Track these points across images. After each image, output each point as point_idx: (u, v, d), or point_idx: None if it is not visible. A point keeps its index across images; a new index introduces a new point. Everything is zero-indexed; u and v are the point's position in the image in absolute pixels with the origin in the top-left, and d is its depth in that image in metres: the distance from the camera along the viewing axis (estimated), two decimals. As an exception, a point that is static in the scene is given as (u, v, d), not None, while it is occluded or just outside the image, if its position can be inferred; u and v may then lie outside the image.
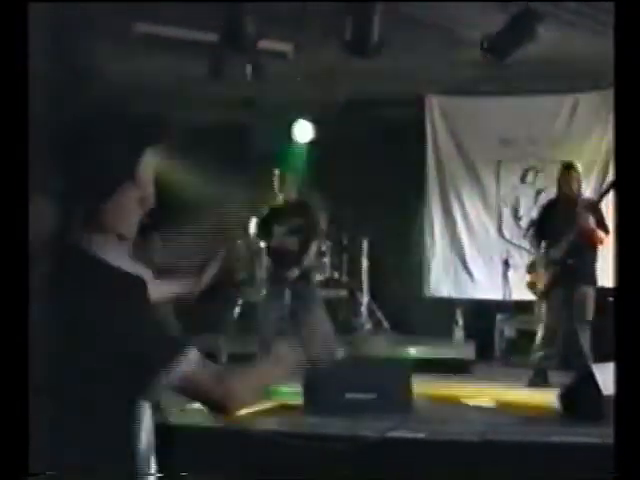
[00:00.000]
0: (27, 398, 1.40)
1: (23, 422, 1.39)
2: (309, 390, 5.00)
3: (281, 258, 6.15)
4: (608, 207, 6.26)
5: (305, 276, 6.07)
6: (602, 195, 6.00)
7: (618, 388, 1.71)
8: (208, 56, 5.95)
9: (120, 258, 1.61)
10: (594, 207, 5.85)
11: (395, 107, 7.87)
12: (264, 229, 6.35)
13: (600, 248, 5.94)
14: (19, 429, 1.38)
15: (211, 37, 5.37)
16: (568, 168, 6.08)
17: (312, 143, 8.24)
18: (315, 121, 8.19)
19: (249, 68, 6.28)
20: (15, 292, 1.41)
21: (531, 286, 6.17)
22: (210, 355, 1.81)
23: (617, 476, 1.56)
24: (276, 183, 6.19)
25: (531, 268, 6.23)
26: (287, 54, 6.25)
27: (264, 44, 5.77)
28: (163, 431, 3.91)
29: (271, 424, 4.60)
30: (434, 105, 7.96)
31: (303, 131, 8.23)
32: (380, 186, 8.17)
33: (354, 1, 5.21)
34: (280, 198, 6.20)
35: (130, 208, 1.60)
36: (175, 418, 4.52)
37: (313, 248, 6.11)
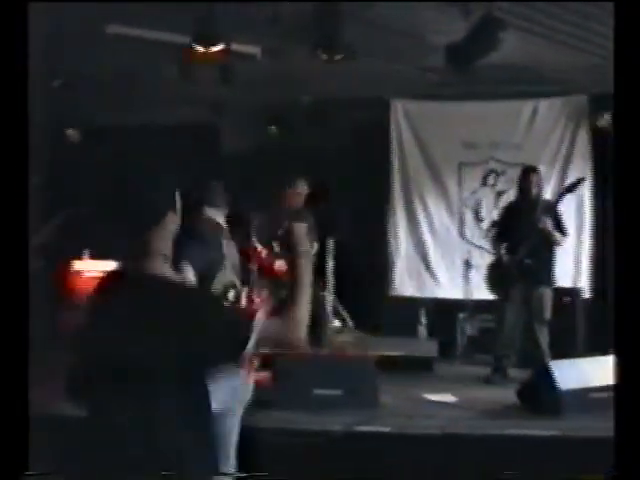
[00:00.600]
0: (27, 398, 1.45)
1: (23, 422, 1.43)
2: (277, 385, 5.09)
3: None
4: (566, 210, 6.55)
5: None
6: (559, 198, 6.21)
7: (617, 387, 1.78)
8: (178, 57, 6.01)
9: (169, 273, 1.82)
10: (552, 209, 6.04)
11: (361, 110, 8.01)
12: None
13: (558, 249, 6.15)
14: (19, 429, 1.43)
15: (182, 39, 5.43)
16: (528, 171, 6.26)
17: (280, 145, 8.34)
18: (283, 122, 8.29)
19: (218, 70, 6.37)
20: (15, 294, 1.46)
21: (491, 284, 6.35)
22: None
23: (617, 475, 1.64)
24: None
25: (492, 266, 6.40)
26: (256, 56, 6.34)
27: (234, 47, 5.85)
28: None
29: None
30: (399, 108, 8.10)
31: (270, 132, 8.33)
32: (346, 187, 8.30)
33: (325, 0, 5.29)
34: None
35: (171, 233, 1.82)
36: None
37: None
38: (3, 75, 1.54)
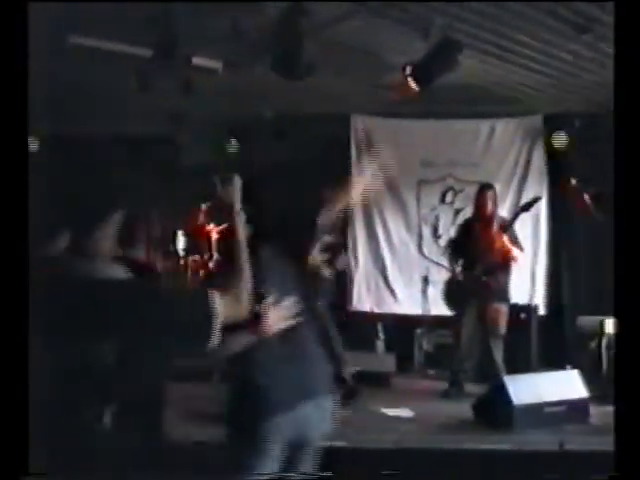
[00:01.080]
0: (27, 398, 1.44)
1: (23, 422, 1.42)
2: (231, 402, 5.07)
3: None
4: (522, 227, 6.67)
5: None
6: (516, 216, 6.32)
7: (617, 397, 1.80)
8: (138, 70, 5.99)
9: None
10: (508, 226, 6.15)
11: (322, 125, 8.06)
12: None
13: (514, 266, 6.25)
14: (19, 429, 1.41)
15: (144, 52, 5.43)
16: (484, 188, 6.36)
17: (239, 159, 8.35)
18: (242, 137, 8.31)
19: (179, 83, 6.36)
20: (15, 295, 1.45)
21: (448, 300, 6.43)
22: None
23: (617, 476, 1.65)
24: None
25: (449, 282, 6.47)
26: (217, 71, 6.35)
27: (195, 60, 5.86)
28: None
29: (199, 436, 4.65)
30: (359, 125, 8.19)
31: (231, 147, 8.34)
32: (305, 202, 8.32)
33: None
34: None
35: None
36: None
37: None
38: (3, 75, 1.53)
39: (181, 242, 8.33)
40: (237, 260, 2.06)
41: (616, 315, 1.93)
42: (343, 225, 6.21)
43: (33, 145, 7.64)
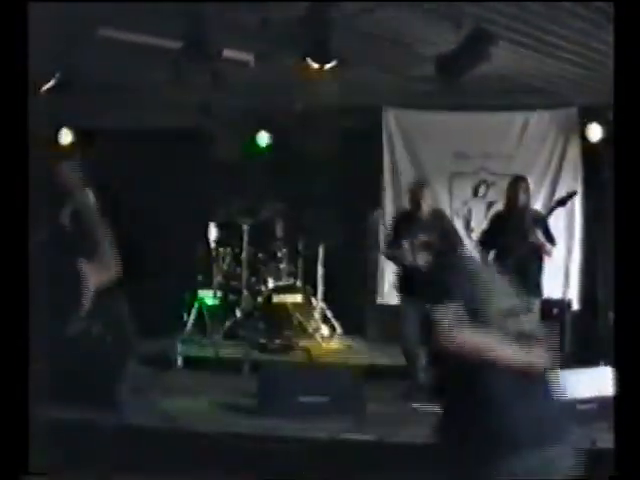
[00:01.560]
0: (27, 398, 1.46)
1: (23, 422, 1.44)
2: (263, 392, 5.11)
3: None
4: (556, 222, 6.57)
5: None
6: (551, 209, 6.20)
7: (618, 394, 1.78)
8: (171, 62, 6.02)
9: None
10: (542, 220, 6.05)
11: (353, 118, 8.04)
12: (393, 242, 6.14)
13: (547, 261, 6.16)
14: (19, 429, 1.43)
15: (175, 44, 5.44)
16: (517, 181, 6.26)
17: (270, 151, 8.37)
18: (274, 129, 8.32)
19: (211, 76, 6.38)
20: (15, 295, 1.46)
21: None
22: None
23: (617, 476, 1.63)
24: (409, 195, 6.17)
25: None
26: (248, 63, 6.35)
27: (227, 53, 5.87)
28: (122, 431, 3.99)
29: (224, 425, 4.69)
30: (391, 117, 8.13)
31: (262, 139, 8.36)
32: (337, 194, 8.32)
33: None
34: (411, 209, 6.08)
35: None
36: (129, 419, 4.60)
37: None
38: (3, 75, 1.54)
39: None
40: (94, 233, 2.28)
41: (616, 315, 1.90)
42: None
43: (67, 138, 7.76)
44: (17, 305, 1.49)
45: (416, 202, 6.07)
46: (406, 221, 6.08)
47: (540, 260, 6.10)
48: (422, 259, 5.56)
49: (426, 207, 6.01)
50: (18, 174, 1.56)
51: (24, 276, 1.53)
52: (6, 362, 1.45)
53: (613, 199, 1.79)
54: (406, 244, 5.81)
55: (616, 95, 1.75)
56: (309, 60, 5.69)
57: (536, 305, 6.07)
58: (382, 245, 6.37)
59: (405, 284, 6.06)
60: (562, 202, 6.21)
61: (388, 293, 8.08)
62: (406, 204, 6.46)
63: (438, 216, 5.96)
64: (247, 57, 6.34)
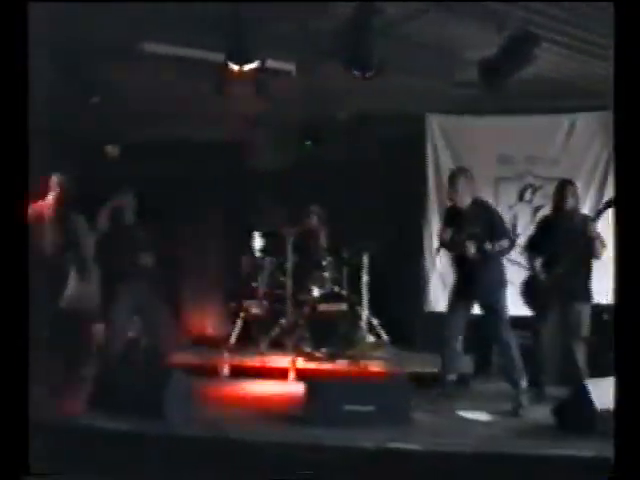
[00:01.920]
0: (27, 398, 1.48)
1: (23, 422, 1.45)
2: (309, 402, 5.10)
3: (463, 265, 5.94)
4: (604, 225, 6.43)
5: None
6: (599, 213, 6.07)
7: (617, 401, 1.75)
8: (213, 74, 6.09)
9: None
10: (591, 224, 5.93)
11: (396, 125, 8.01)
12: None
13: (596, 265, 6.03)
14: (19, 429, 1.45)
15: (217, 57, 5.51)
16: (564, 185, 6.17)
17: (314, 160, 8.39)
18: (317, 138, 8.33)
19: (253, 86, 6.44)
20: (15, 295, 1.48)
21: (527, 301, 6.27)
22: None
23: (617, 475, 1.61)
24: (449, 184, 6.04)
25: (528, 282, 6.31)
26: (291, 73, 6.39)
27: (269, 63, 5.91)
28: (170, 443, 4.02)
29: (270, 435, 4.69)
30: (434, 123, 8.07)
31: (305, 148, 8.38)
32: (381, 201, 8.30)
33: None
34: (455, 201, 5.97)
35: None
36: (178, 429, 4.64)
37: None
38: (3, 75, 1.54)
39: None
40: None
41: (616, 316, 1.87)
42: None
43: (114, 152, 7.90)
44: (17, 305, 1.51)
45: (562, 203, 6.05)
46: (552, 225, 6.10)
47: (589, 264, 5.99)
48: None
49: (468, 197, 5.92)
50: (18, 174, 1.57)
51: (24, 276, 1.54)
52: (6, 362, 1.46)
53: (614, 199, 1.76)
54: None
55: (616, 96, 1.73)
56: (351, 68, 5.69)
57: (586, 309, 5.96)
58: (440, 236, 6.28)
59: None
60: (610, 205, 6.07)
61: (435, 301, 8.02)
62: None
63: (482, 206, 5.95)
64: (289, 67, 6.38)
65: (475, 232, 5.76)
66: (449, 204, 6.20)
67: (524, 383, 5.70)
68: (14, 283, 1.52)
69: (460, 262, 6.03)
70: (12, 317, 1.51)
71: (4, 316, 1.50)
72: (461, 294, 6.00)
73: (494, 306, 5.83)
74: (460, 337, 6.17)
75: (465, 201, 5.91)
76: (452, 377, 5.94)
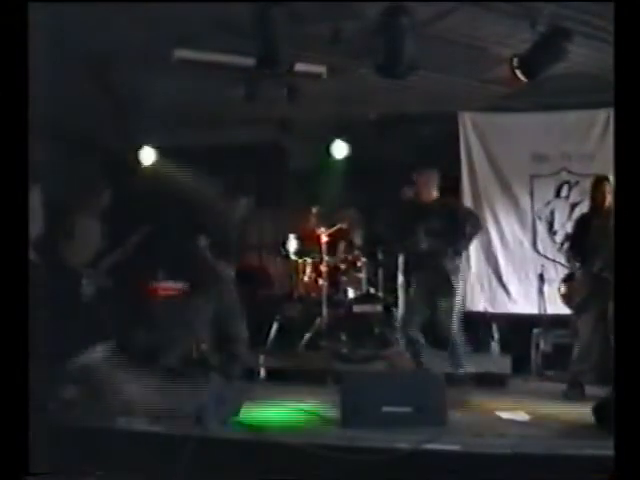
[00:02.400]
0: (27, 398, 1.50)
1: (23, 422, 1.47)
2: (346, 403, 5.10)
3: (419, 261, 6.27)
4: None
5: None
6: None
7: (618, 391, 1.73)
8: (245, 79, 6.14)
9: None
10: None
11: (428, 124, 7.99)
12: (402, 230, 6.34)
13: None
14: (19, 429, 1.47)
15: (248, 61, 5.54)
16: (600, 181, 6.09)
17: (347, 161, 8.39)
18: (350, 139, 8.34)
19: (285, 90, 6.47)
20: (15, 295, 1.50)
21: (566, 299, 6.20)
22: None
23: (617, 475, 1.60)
24: (418, 183, 6.27)
25: (567, 280, 6.25)
26: (321, 75, 6.41)
27: (299, 67, 5.93)
28: (199, 443, 4.05)
29: (308, 436, 4.70)
30: (467, 121, 8.03)
31: (338, 149, 8.39)
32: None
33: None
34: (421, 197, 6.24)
35: None
36: (215, 431, 4.67)
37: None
38: (3, 75, 1.55)
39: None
40: None
41: (616, 317, 1.84)
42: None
43: (149, 156, 7.99)
44: (17, 306, 1.52)
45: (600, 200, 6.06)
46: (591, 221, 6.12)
47: (629, 262, 5.90)
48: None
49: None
50: (18, 174, 1.59)
51: (24, 277, 1.56)
52: (6, 363, 1.48)
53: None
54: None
55: (616, 96, 1.71)
56: (383, 69, 5.68)
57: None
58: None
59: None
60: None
61: (470, 300, 7.97)
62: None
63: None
64: (320, 69, 6.40)
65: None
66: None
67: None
68: (14, 282, 1.54)
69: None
70: (12, 316, 1.53)
71: (4, 317, 1.52)
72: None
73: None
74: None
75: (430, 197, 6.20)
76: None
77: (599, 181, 6.12)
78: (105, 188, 5.85)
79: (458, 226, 6.08)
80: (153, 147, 8.15)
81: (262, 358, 6.98)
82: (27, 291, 1.55)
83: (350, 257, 8.05)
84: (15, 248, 1.57)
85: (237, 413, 5.16)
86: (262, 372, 6.87)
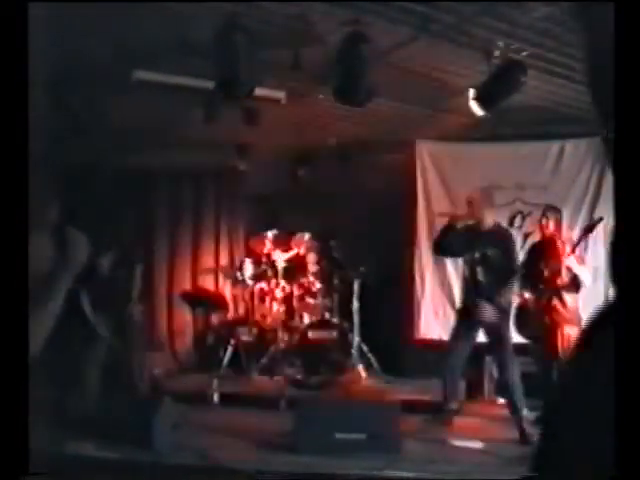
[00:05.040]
0: (27, 398, 1.46)
1: (23, 422, 1.44)
2: (300, 429, 5.06)
3: (471, 288, 5.99)
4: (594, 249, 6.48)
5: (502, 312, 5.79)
6: (580, 238, 6.11)
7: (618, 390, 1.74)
8: (204, 102, 6.12)
9: None
10: (574, 249, 5.96)
11: (386, 152, 8.07)
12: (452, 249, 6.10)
13: (584, 289, 6.06)
14: (19, 429, 1.43)
15: (207, 84, 5.53)
16: (549, 211, 6.23)
17: (304, 186, 8.42)
18: (307, 165, 8.38)
19: (244, 114, 6.48)
20: (15, 296, 1.47)
21: (519, 327, 6.27)
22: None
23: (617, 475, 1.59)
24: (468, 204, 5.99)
25: (520, 308, 6.32)
26: (280, 100, 6.43)
27: (259, 91, 5.94)
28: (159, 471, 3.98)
29: (260, 464, 4.65)
30: (424, 150, 8.13)
31: (295, 174, 8.42)
32: (372, 228, 8.32)
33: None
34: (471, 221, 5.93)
35: None
36: (168, 457, 4.59)
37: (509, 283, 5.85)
38: (3, 75, 1.53)
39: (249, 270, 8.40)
40: None
41: (618, 317, 1.86)
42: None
43: (103, 178, 7.89)
44: (16, 306, 1.49)
45: (549, 230, 6.07)
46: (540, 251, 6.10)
47: (577, 289, 6.01)
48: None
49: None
50: (18, 178, 1.56)
51: (24, 277, 1.53)
52: (6, 363, 1.45)
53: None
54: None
55: (616, 97, 1.74)
56: (342, 96, 5.72)
57: (575, 334, 5.96)
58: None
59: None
60: (589, 229, 6.13)
61: (425, 327, 8.01)
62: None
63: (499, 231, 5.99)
64: (279, 95, 6.42)
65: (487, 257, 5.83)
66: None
67: (525, 409, 5.68)
68: (14, 285, 1.51)
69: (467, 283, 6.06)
70: (11, 318, 1.50)
71: (4, 317, 1.49)
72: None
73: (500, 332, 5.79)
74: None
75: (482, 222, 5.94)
76: (453, 406, 5.92)
77: (547, 211, 6.25)
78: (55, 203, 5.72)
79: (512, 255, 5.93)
80: (111, 170, 8.06)
81: (215, 382, 6.91)
82: (26, 291, 1.51)
83: (306, 283, 8.04)
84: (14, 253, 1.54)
85: (188, 438, 5.09)
86: (215, 397, 6.79)
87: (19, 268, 1.50)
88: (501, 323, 5.79)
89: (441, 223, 7.99)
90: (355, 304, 7.88)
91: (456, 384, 6.06)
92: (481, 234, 5.90)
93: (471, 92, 5.85)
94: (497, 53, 5.43)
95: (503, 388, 5.99)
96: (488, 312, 5.69)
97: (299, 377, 7.31)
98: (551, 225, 6.11)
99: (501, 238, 5.97)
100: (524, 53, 5.41)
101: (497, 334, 5.81)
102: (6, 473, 1.42)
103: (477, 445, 5.31)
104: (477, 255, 5.88)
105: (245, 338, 7.90)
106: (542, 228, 6.23)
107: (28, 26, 1.56)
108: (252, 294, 8.22)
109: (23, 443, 1.45)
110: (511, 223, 7.92)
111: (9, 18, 1.51)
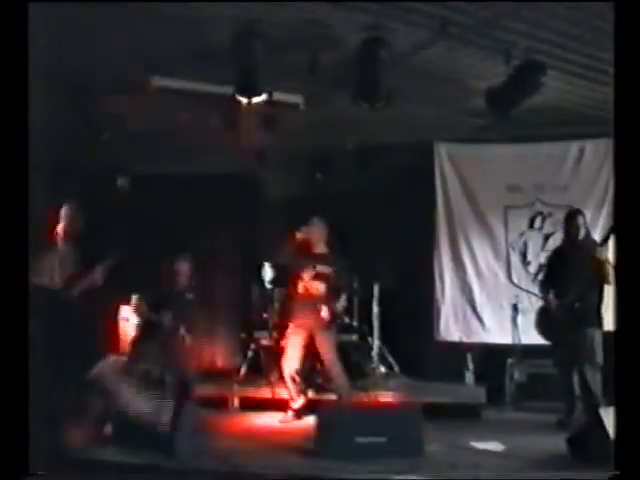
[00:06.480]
0: (27, 398, 1.47)
1: (23, 422, 1.45)
2: (320, 434, 5.05)
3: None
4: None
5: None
6: (605, 239, 6.04)
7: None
8: (222, 108, 6.14)
9: None
10: (599, 251, 5.89)
11: (404, 154, 8.04)
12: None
13: (607, 292, 5.99)
14: (19, 429, 1.44)
15: (225, 90, 5.55)
16: (573, 214, 6.18)
17: (323, 190, 8.41)
18: (326, 169, 8.36)
19: (262, 119, 6.49)
20: (15, 300, 1.48)
21: (540, 330, 6.23)
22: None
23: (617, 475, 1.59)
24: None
25: (541, 311, 6.29)
26: (299, 105, 6.44)
27: (277, 96, 5.95)
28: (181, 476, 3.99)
29: (281, 468, 4.65)
30: (442, 152, 8.11)
31: (315, 179, 8.41)
32: (390, 231, 8.29)
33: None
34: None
35: None
36: (189, 462, 4.61)
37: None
38: (3, 76, 1.54)
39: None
40: None
41: (616, 317, 1.86)
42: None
43: (124, 184, 7.94)
44: (16, 306, 1.51)
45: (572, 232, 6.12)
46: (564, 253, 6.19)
47: (600, 292, 5.95)
48: None
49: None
50: (18, 178, 1.57)
51: (24, 282, 1.54)
52: (6, 364, 1.46)
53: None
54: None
55: (616, 97, 1.72)
56: (360, 99, 5.72)
57: (598, 336, 5.92)
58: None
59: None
60: (614, 230, 6.06)
61: (445, 330, 7.99)
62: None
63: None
64: (297, 99, 6.43)
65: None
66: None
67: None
68: (13, 289, 1.53)
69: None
70: (12, 318, 1.51)
71: (4, 317, 1.50)
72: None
73: None
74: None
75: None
76: None
77: (570, 214, 6.21)
78: (79, 213, 5.77)
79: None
80: (133, 175, 8.11)
81: (235, 387, 6.91)
82: (27, 295, 1.53)
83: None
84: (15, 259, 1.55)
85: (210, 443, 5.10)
86: (236, 402, 6.80)
87: (19, 270, 1.52)
88: None
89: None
90: (375, 308, 7.86)
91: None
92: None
93: (490, 93, 5.83)
94: (516, 54, 5.41)
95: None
96: None
97: (320, 381, 7.29)
98: (574, 227, 6.06)
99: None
100: (543, 54, 5.39)
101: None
102: (6, 473, 1.43)
103: (499, 448, 5.28)
104: None
105: (265, 342, 7.90)
106: (566, 230, 6.20)
107: (28, 26, 1.56)
108: (272, 298, 8.21)
109: (23, 443, 1.46)
110: (531, 225, 7.88)
111: (9, 18, 1.52)
